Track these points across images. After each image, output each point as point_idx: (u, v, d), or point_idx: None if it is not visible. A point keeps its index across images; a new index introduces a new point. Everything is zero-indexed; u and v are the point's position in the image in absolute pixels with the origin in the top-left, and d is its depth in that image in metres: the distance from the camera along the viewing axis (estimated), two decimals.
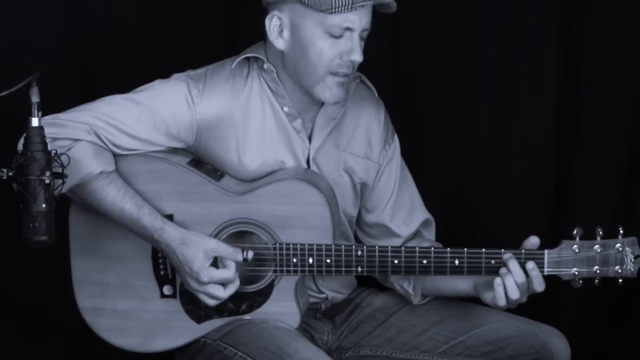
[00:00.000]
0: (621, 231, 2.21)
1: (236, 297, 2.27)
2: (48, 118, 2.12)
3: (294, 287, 2.30)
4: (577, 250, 2.21)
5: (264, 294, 2.30)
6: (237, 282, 2.23)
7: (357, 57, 2.20)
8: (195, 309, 2.31)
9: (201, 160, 2.32)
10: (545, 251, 2.21)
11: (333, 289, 2.48)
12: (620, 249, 2.21)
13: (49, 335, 3.04)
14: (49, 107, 1.96)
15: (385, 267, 2.26)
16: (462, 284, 2.35)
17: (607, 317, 3.11)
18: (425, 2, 3.01)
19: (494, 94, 3.03)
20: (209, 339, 2.32)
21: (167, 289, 2.32)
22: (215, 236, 2.26)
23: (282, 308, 2.31)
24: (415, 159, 2.61)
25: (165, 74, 2.32)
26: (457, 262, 2.23)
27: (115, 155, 2.26)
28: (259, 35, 2.31)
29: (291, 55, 2.23)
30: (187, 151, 2.32)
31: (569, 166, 3.06)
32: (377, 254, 2.25)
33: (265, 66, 2.28)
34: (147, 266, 2.31)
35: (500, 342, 2.35)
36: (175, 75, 2.31)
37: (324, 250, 2.24)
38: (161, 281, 2.31)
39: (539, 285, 2.20)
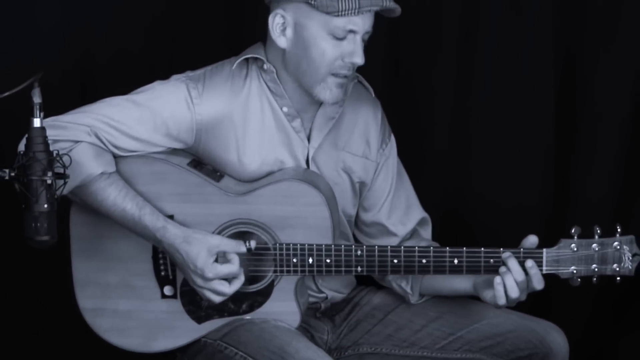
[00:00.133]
0: (619, 230, 2.22)
1: (237, 297, 2.28)
2: (48, 120, 2.12)
3: (294, 287, 2.31)
4: (575, 249, 2.21)
5: (264, 294, 2.31)
6: (242, 278, 2.23)
7: (359, 59, 2.22)
8: (196, 309, 2.31)
9: (201, 161, 2.32)
10: (544, 250, 2.22)
11: (333, 289, 2.49)
12: (618, 247, 2.21)
13: (51, 336, 3.04)
14: (51, 108, 1.96)
15: (384, 266, 2.27)
16: (461, 283, 2.35)
17: (607, 315, 3.11)
18: (425, 3, 3.01)
19: (493, 94, 3.04)
20: (209, 339, 2.32)
21: (167, 290, 2.32)
22: None
23: (283, 308, 2.31)
24: (415, 158, 2.62)
25: (167, 75, 2.33)
26: (456, 261, 2.24)
27: (115, 156, 2.26)
28: (260, 36, 2.32)
29: (293, 54, 2.24)
30: (187, 152, 2.33)
31: (568, 165, 3.07)
32: (376, 253, 2.26)
33: (265, 66, 2.29)
34: (148, 267, 2.32)
35: (499, 336, 2.35)
36: (175, 77, 2.32)
37: (323, 250, 2.25)
38: (162, 282, 2.32)
39: (539, 284, 2.21)
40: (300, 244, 2.25)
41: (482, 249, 2.24)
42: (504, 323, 2.36)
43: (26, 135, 1.86)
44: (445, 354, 2.40)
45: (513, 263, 2.20)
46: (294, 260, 2.26)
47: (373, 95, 2.45)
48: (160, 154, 2.29)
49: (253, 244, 2.22)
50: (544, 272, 2.22)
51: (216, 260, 2.21)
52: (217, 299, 2.24)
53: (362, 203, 2.48)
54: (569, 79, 3.02)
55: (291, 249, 2.26)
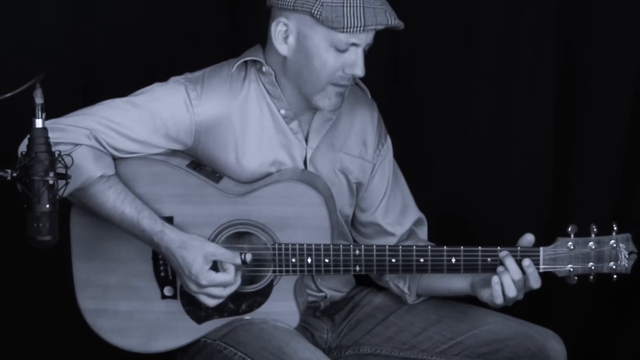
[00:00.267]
0: (615, 228, 2.22)
1: (236, 297, 2.29)
2: (48, 123, 2.09)
3: (293, 286, 2.32)
4: (572, 247, 2.22)
5: (264, 294, 2.31)
6: (238, 281, 2.25)
7: (360, 71, 2.23)
8: (196, 309, 2.32)
9: (200, 163, 2.33)
10: (541, 248, 2.23)
11: (332, 288, 2.50)
12: (615, 245, 2.22)
13: (52, 336, 3.04)
14: (52, 108, 1.96)
15: (383, 266, 2.27)
16: (458, 283, 2.36)
17: (605, 315, 3.12)
18: (424, 5, 3.02)
19: (492, 95, 3.05)
20: (209, 339, 2.33)
21: (167, 290, 2.33)
22: (215, 237, 2.28)
23: (282, 307, 2.32)
24: (415, 159, 2.63)
25: (168, 75, 2.34)
26: (453, 260, 2.25)
27: (115, 158, 2.27)
28: (260, 38, 2.33)
29: (294, 62, 2.25)
30: (186, 154, 2.33)
31: (567, 166, 3.08)
32: (374, 253, 2.27)
33: (264, 69, 2.30)
34: (148, 268, 2.32)
35: (498, 343, 2.35)
36: (173, 78, 2.32)
37: (322, 250, 2.26)
38: (162, 282, 2.33)
39: (536, 282, 2.22)
40: (299, 244, 2.26)
41: (480, 247, 2.24)
42: (503, 330, 2.37)
43: (27, 136, 1.87)
44: (444, 358, 2.40)
45: (510, 262, 2.21)
46: (293, 260, 2.27)
47: (369, 96, 2.46)
48: (160, 155, 2.30)
49: (249, 257, 2.23)
50: (541, 270, 2.22)
51: (212, 267, 2.22)
52: (212, 302, 2.25)
53: (359, 203, 2.49)
54: (568, 79, 3.03)
55: (290, 249, 2.27)
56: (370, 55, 2.26)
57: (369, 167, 2.46)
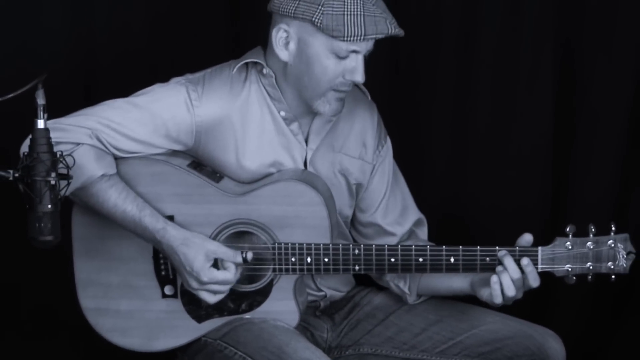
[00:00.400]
0: (613, 228, 2.23)
1: (236, 296, 2.30)
2: (50, 123, 2.09)
3: (292, 286, 2.32)
4: (570, 247, 2.22)
5: (264, 293, 2.32)
6: (237, 277, 2.26)
7: (360, 78, 2.24)
8: (196, 308, 2.33)
9: (201, 163, 2.34)
10: (539, 248, 2.23)
11: (332, 287, 2.50)
12: (613, 245, 2.22)
13: (54, 335, 3.05)
14: (54, 109, 1.96)
15: (382, 265, 2.28)
16: (458, 282, 2.37)
17: (603, 317, 3.12)
18: (425, 5, 3.02)
19: (492, 95, 3.05)
20: (209, 338, 2.34)
21: (168, 289, 2.33)
22: (215, 236, 2.29)
23: (282, 307, 2.33)
24: (415, 160, 2.63)
25: (169, 76, 2.34)
26: (452, 259, 2.26)
27: (116, 158, 2.28)
28: (261, 39, 2.34)
29: (295, 67, 2.26)
30: (186, 154, 2.34)
31: (567, 167, 3.07)
32: (374, 252, 2.27)
33: (264, 71, 2.31)
34: (149, 267, 2.33)
35: (497, 342, 2.36)
36: (174, 79, 2.33)
37: (322, 249, 2.26)
38: (162, 281, 2.33)
39: (534, 281, 2.22)
40: (299, 244, 2.27)
41: (478, 247, 2.25)
42: (502, 329, 2.37)
43: (29, 137, 1.88)
44: (444, 358, 2.41)
45: (509, 261, 2.22)
46: (293, 259, 2.28)
47: (369, 98, 2.47)
48: (161, 155, 2.31)
49: (250, 255, 2.24)
50: (540, 269, 2.23)
51: (213, 265, 2.23)
52: (212, 299, 2.26)
53: (359, 204, 2.50)
54: (567, 80, 3.02)
55: (290, 249, 2.27)
56: (370, 56, 2.26)
57: (368, 168, 2.47)
